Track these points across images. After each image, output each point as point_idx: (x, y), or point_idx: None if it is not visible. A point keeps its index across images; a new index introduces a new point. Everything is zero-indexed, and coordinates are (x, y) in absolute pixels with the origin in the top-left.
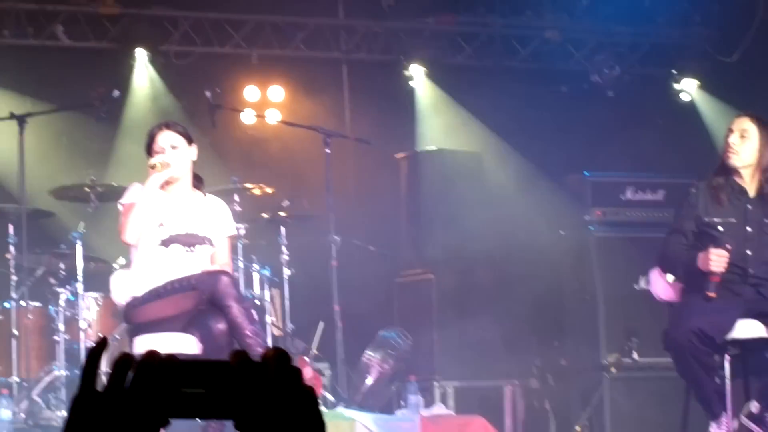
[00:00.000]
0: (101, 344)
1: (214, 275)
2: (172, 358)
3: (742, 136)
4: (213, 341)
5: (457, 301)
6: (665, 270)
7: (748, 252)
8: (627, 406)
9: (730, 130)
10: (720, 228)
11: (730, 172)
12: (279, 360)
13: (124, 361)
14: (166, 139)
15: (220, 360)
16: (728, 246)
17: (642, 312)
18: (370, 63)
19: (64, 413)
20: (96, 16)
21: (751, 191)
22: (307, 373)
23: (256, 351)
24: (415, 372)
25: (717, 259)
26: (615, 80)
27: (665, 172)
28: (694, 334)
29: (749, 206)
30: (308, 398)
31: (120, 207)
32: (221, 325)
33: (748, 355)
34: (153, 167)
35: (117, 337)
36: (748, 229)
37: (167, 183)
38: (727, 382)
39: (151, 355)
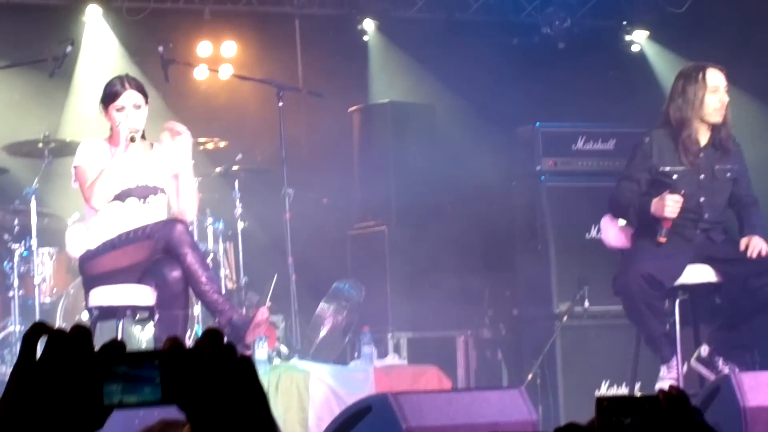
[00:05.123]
0: (38, 329)
1: (169, 223)
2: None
3: (726, 91)
4: (168, 289)
5: (410, 252)
6: (616, 215)
7: (702, 199)
8: (579, 355)
9: (713, 87)
10: (674, 177)
11: (690, 122)
12: (212, 343)
13: (33, 331)
14: (130, 98)
15: (150, 351)
16: (683, 192)
17: (593, 261)
18: (323, 17)
19: None
20: None
21: (703, 140)
22: (262, 315)
23: (212, 297)
24: (369, 323)
25: (673, 205)
26: (566, 32)
27: (616, 121)
28: (643, 278)
29: (702, 155)
30: (245, 373)
31: (73, 169)
32: (176, 273)
33: (698, 299)
34: (132, 140)
35: (71, 291)
36: (701, 176)
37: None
38: (677, 326)
39: (75, 327)
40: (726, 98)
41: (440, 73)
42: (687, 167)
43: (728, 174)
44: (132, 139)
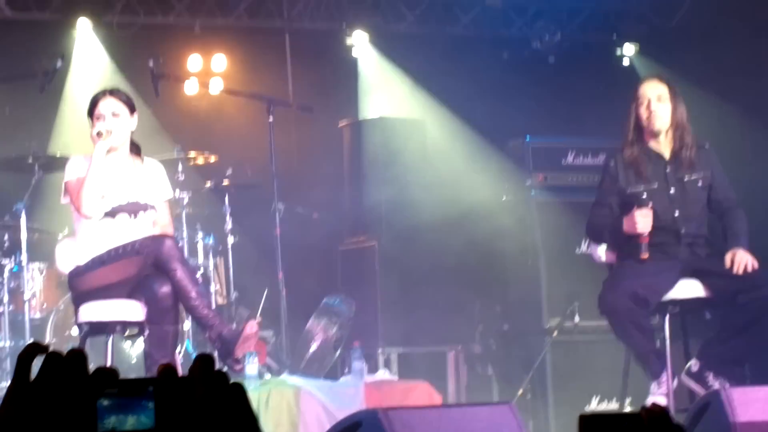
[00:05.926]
0: (33, 350)
1: (158, 239)
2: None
3: (659, 100)
4: (158, 304)
5: (401, 267)
6: (594, 240)
7: (676, 213)
8: (569, 370)
9: (643, 98)
10: (644, 195)
11: (644, 140)
12: (204, 370)
13: (28, 351)
14: (109, 106)
15: (144, 378)
16: (651, 204)
17: (583, 276)
18: (313, 32)
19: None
20: None
21: (666, 154)
22: (251, 328)
23: (202, 312)
24: (359, 338)
25: (642, 220)
26: (556, 46)
27: (606, 136)
28: (628, 297)
29: (667, 169)
30: (237, 400)
31: (64, 185)
32: (166, 288)
33: (687, 314)
34: (99, 135)
35: (61, 307)
36: (672, 191)
37: (108, 151)
38: (667, 342)
39: (72, 351)
40: (660, 106)
41: (430, 87)
42: (655, 184)
43: (699, 183)
44: (99, 134)
